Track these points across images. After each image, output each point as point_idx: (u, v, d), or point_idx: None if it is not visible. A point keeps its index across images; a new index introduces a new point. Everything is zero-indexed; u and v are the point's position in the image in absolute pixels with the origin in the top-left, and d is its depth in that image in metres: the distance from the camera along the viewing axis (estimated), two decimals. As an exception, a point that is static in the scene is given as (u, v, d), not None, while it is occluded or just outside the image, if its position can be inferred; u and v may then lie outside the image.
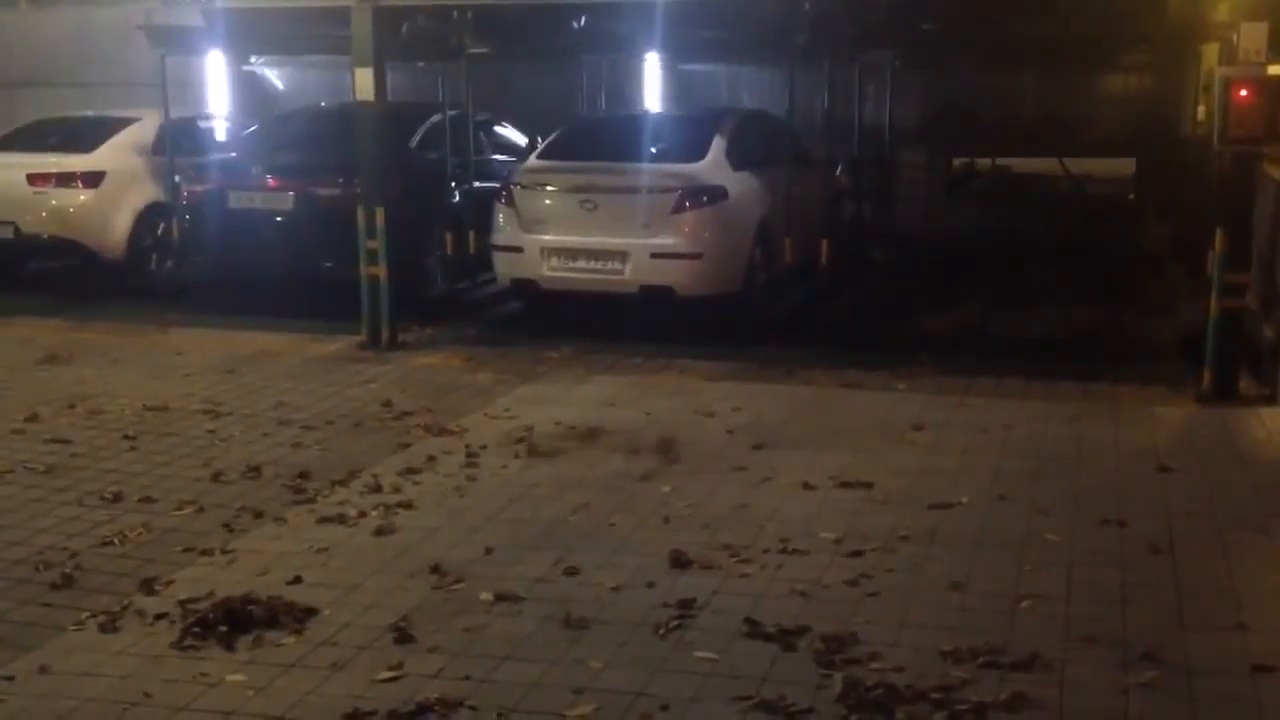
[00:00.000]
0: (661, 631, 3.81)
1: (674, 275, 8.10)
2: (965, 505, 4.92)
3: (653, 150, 8.82)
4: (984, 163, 13.82)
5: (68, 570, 4.38)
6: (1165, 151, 11.13)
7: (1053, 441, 5.80)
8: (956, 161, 13.32)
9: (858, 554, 4.41)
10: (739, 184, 8.48)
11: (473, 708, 3.36)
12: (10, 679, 3.58)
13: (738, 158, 8.68)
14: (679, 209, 8.13)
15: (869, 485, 5.16)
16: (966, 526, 4.69)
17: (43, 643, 3.82)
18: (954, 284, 10.14)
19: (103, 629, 3.90)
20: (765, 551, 4.44)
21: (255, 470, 5.47)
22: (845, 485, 5.16)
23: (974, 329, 8.81)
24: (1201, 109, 9.65)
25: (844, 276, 9.68)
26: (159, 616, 3.97)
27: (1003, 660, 3.58)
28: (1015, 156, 13.36)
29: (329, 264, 8.62)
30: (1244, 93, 6.21)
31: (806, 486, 5.15)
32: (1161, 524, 4.71)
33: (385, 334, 8.01)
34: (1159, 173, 11.35)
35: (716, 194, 8.27)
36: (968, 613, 3.94)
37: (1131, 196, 12.25)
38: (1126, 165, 12.37)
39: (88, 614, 4.01)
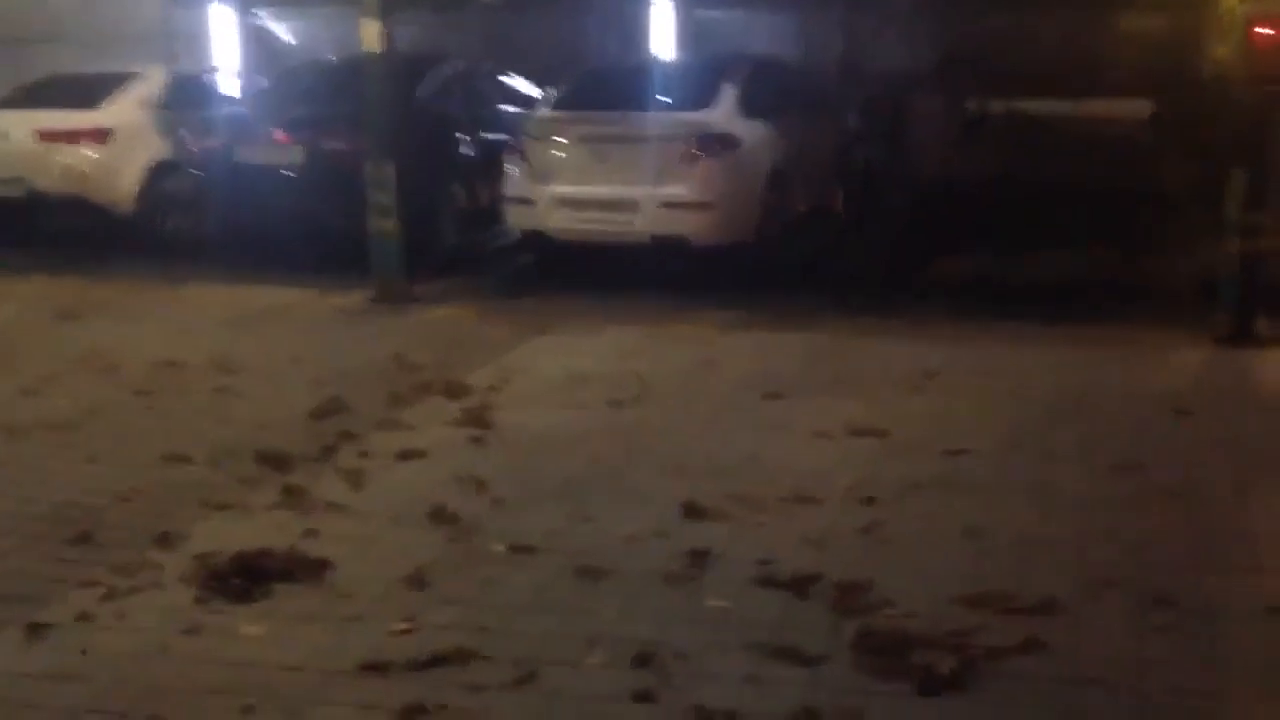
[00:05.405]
0: (675, 581, 3.82)
1: (686, 225, 8.05)
2: (979, 452, 4.90)
3: (663, 98, 8.73)
4: (1000, 105, 13.63)
5: (85, 526, 4.40)
6: (1185, 91, 10.96)
7: (1068, 386, 5.77)
8: (972, 105, 13.14)
9: (871, 501, 4.40)
10: (751, 131, 8.41)
11: (487, 658, 3.37)
12: (28, 634, 3.61)
13: (750, 105, 8.59)
14: (690, 158, 8.06)
15: (882, 433, 5.14)
16: (981, 473, 4.68)
17: (61, 598, 3.85)
18: (970, 229, 10.05)
19: (120, 584, 3.92)
20: (778, 500, 4.43)
21: (269, 425, 5.49)
22: (858, 433, 5.14)
23: (989, 274, 8.75)
24: (1221, 48, 9.48)
25: (858, 223, 9.61)
26: (176, 571, 3.99)
27: (1017, 605, 3.57)
28: (1032, 99, 13.17)
29: (339, 219, 8.59)
30: (1264, 31, 6.10)
31: (819, 435, 5.14)
32: (1178, 468, 4.68)
33: (396, 288, 7.99)
34: (1178, 113, 11.19)
35: (728, 142, 8.20)
36: (982, 559, 3.93)
37: (1150, 138, 12.08)
38: (1145, 106, 12.19)
39: (105, 569, 4.04)
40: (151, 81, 10.34)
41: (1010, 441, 5.02)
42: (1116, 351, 6.34)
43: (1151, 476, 4.60)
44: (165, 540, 4.24)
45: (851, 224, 9.38)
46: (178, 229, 10.16)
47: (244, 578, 3.88)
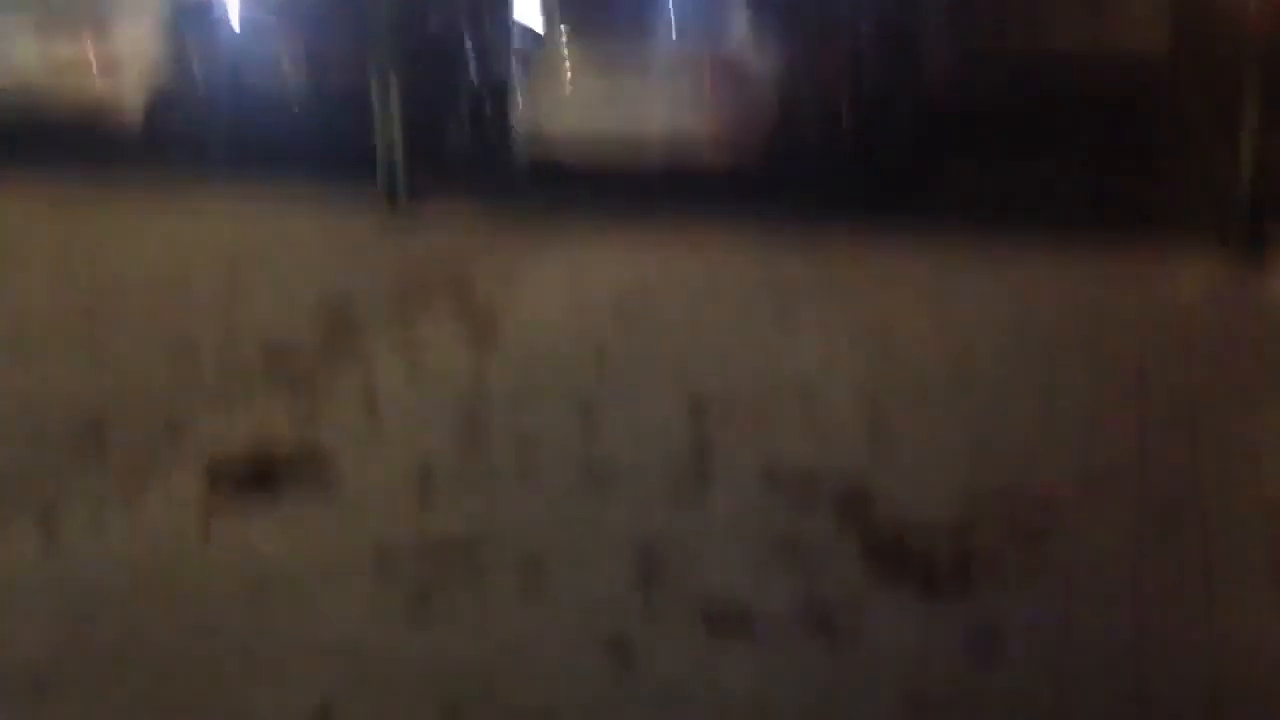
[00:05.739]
0: (681, 478, 3.85)
1: (700, 138, 7.96)
2: (986, 354, 4.90)
3: (676, 12, 8.57)
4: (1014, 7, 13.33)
5: (95, 422, 4.43)
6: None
7: (1076, 298, 5.75)
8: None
9: (877, 404, 4.42)
10: (767, 43, 8.27)
11: (494, 551, 3.42)
12: (43, 528, 3.66)
13: (765, 14, 8.44)
14: (705, 71, 7.94)
15: (889, 335, 5.14)
16: (987, 375, 4.69)
17: (74, 493, 3.89)
18: (980, 137, 9.94)
19: (132, 479, 3.97)
20: (785, 400, 4.45)
21: (276, 324, 5.50)
22: (865, 334, 5.15)
23: (999, 182, 8.66)
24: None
25: (872, 133, 9.49)
26: (187, 466, 4.03)
27: (1020, 504, 3.61)
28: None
29: (351, 124, 8.50)
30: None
31: (826, 336, 5.15)
32: (1184, 374, 4.68)
33: (403, 195, 7.94)
34: (1196, 14, 10.97)
35: (743, 54, 8.08)
36: (986, 459, 3.96)
37: (1167, 43, 11.86)
38: (1163, 6, 11.95)
39: (117, 464, 4.08)
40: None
41: (1017, 345, 5.03)
42: (1127, 258, 6.30)
43: (1158, 382, 4.60)
44: (175, 435, 4.28)
45: (863, 128, 9.25)
46: (182, 134, 10.03)
47: (255, 471, 3.92)
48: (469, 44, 9.28)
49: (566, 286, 6.03)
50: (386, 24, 7.80)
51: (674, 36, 8.18)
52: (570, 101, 8.16)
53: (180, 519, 3.68)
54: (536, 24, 9.46)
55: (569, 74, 8.22)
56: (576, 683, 2.82)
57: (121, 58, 9.67)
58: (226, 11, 10.23)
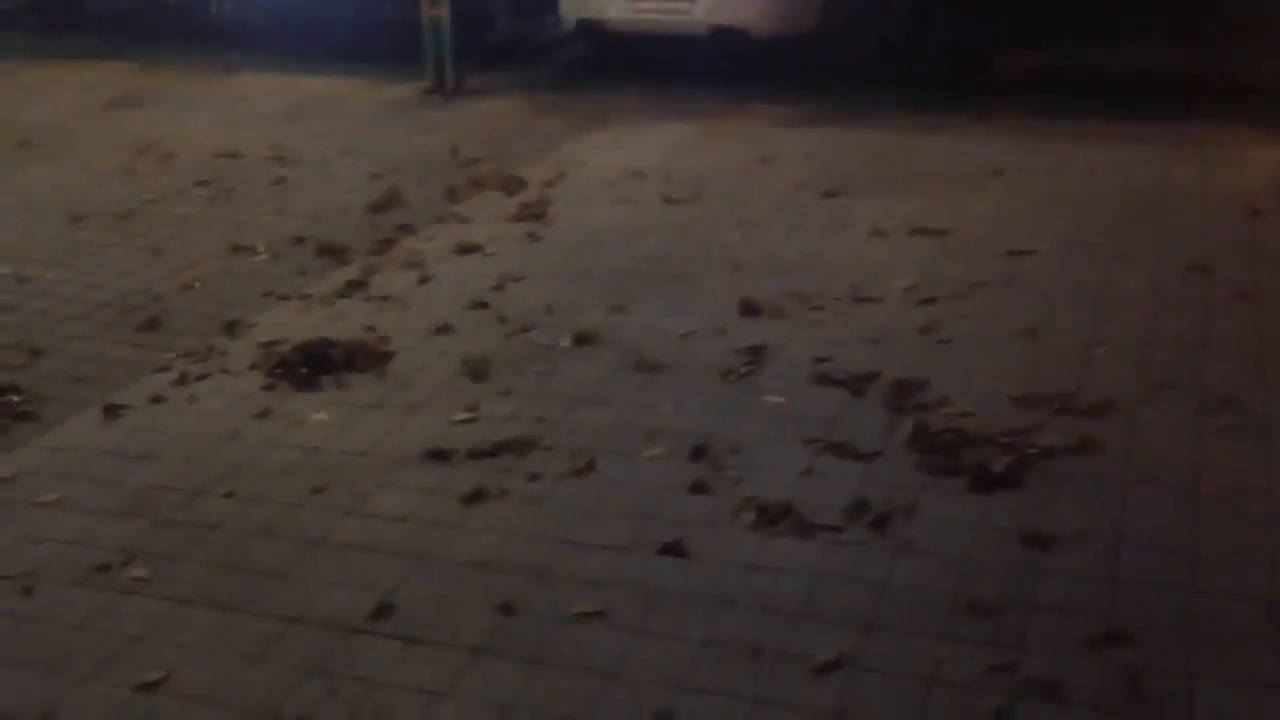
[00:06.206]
0: (732, 377, 3.85)
1: (746, 14, 7.74)
2: (1043, 252, 4.81)
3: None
4: None
5: (152, 313, 4.50)
6: None
7: (1138, 185, 5.61)
8: None
9: (930, 301, 4.37)
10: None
11: (547, 448, 3.45)
12: (106, 415, 3.74)
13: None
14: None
15: (944, 232, 5.06)
16: (1044, 273, 4.61)
17: (134, 382, 3.96)
18: (1042, 19, 9.60)
19: (190, 370, 4.03)
20: (836, 299, 4.41)
21: (327, 217, 5.50)
22: (919, 232, 5.07)
23: (1061, 68, 8.40)
24: None
25: (924, 12, 9.19)
26: (242, 358, 4.09)
27: (1075, 406, 3.57)
28: None
29: (391, 8, 8.37)
30: None
31: (879, 233, 5.07)
32: (1248, 269, 4.57)
33: (450, 78, 7.85)
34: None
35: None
36: (1041, 359, 3.91)
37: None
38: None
39: (174, 355, 4.15)
40: None
41: (1075, 241, 4.92)
42: (1190, 149, 6.12)
43: (1218, 277, 4.50)
44: (231, 328, 4.33)
45: (917, 13, 8.96)
46: (228, 14, 9.93)
47: (309, 366, 3.96)
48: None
49: (614, 173, 5.96)
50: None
51: None
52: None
53: (237, 407, 3.74)
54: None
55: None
56: (627, 582, 2.85)
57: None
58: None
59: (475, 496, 3.22)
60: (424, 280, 4.73)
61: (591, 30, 8.38)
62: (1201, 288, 4.43)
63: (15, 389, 3.92)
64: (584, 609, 2.75)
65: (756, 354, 3.98)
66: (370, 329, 4.27)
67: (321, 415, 3.70)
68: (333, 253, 5.05)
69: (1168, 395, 3.64)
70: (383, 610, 2.78)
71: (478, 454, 3.43)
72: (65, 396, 3.88)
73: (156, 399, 3.84)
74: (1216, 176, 5.72)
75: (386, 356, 4.06)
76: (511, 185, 5.85)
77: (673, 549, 2.96)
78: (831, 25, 8.13)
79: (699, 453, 3.38)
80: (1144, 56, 8.57)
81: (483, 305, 4.45)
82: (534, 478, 3.31)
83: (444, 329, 4.26)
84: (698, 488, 3.22)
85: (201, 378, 3.97)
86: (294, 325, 4.31)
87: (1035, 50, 8.78)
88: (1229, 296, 4.34)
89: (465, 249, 5.02)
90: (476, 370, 3.93)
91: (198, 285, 4.77)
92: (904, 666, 2.54)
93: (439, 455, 3.43)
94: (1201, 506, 3.08)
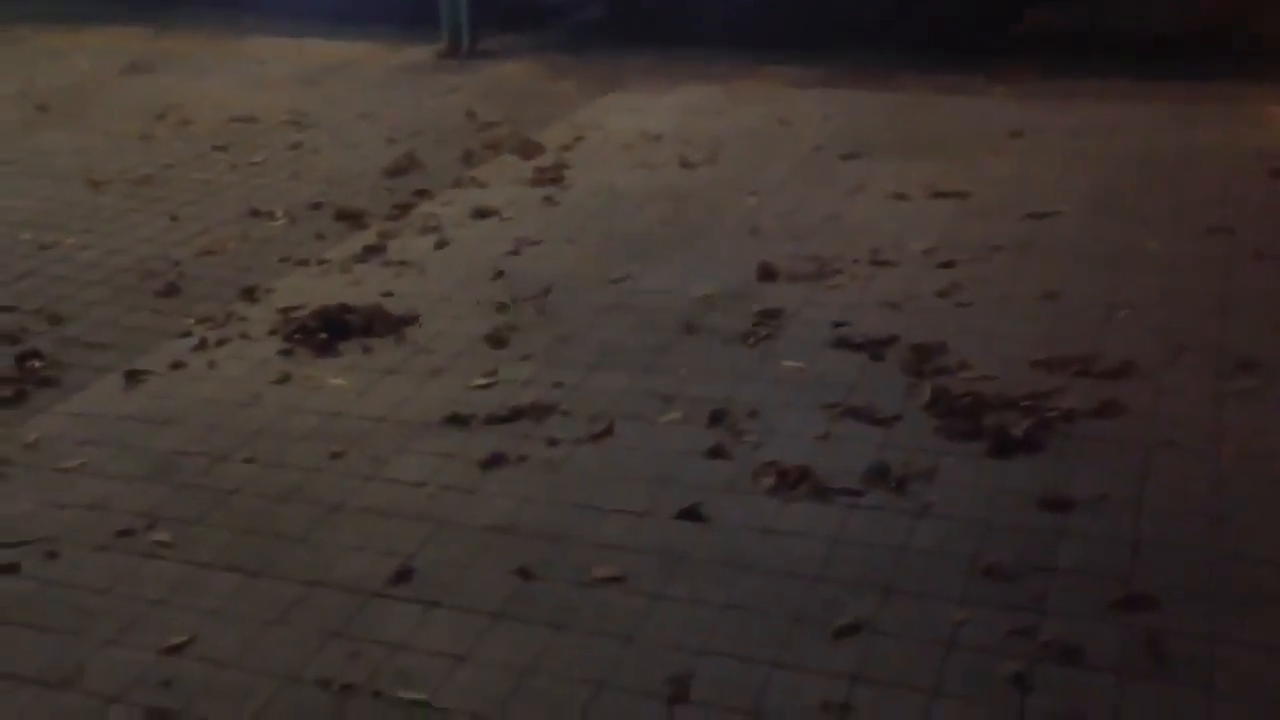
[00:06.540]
0: (750, 341, 3.84)
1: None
2: (1064, 214, 4.78)
3: None
4: None
5: (172, 279, 4.51)
6: None
7: (1160, 146, 5.55)
8: None
9: (949, 264, 4.34)
10: None
11: (565, 413, 3.46)
12: (127, 380, 3.76)
13: None
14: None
15: (963, 194, 5.02)
16: (1064, 236, 4.57)
17: (154, 347, 3.98)
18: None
19: (210, 335, 4.04)
20: (854, 262, 4.39)
21: (344, 182, 5.50)
22: (938, 194, 5.03)
23: (1083, 26, 8.29)
24: None
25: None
26: (261, 324, 4.10)
27: (1095, 368, 3.55)
28: None
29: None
30: None
31: (898, 196, 5.04)
32: (1271, 231, 4.53)
33: (465, 41, 7.80)
34: None
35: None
36: (1061, 322, 3.89)
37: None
38: None
39: (194, 321, 4.16)
40: None
41: (1096, 203, 4.88)
42: (1214, 109, 6.05)
43: (1241, 239, 4.46)
44: (250, 294, 4.34)
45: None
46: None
47: (328, 331, 3.97)
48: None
49: (631, 137, 5.93)
50: None
51: None
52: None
53: (257, 372, 3.75)
54: None
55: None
56: (646, 546, 2.86)
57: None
58: None
59: (493, 461, 3.23)
60: (441, 245, 4.72)
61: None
62: (1223, 249, 4.39)
63: (37, 354, 3.95)
64: (602, 573, 2.76)
65: (774, 318, 3.97)
66: (388, 294, 4.27)
67: (340, 381, 3.71)
68: (350, 217, 5.05)
69: (1189, 358, 3.62)
70: (403, 574, 2.79)
71: (496, 419, 3.44)
72: (86, 362, 3.91)
73: (177, 365, 3.85)
74: (1239, 137, 5.66)
75: (404, 321, 4.06)
76: (528, 149, 5.82)
77: (691, 513, 2.97)
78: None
79: (717, 417, 3.38)
80: (1166, 13, 8.44)
81: (500, 270, 4.44)
82: (552, 443, 3.31)
83: (462, 295, 4.26)
84: (716, 452, 3.22)
85: (221, 343, 3.99)
86: (312, 291, 4.32)
87: (1055, 6, 8.66)
88: (1251, 258, 4.30)
89: (482, 213, 5.01)
90: (494, 335, 3.93)
91: (216, 250, 4.78)
92: (923, 630, 2.55)
93: (457, 420, 3.44)
94: (1222, 469, 3.07)
